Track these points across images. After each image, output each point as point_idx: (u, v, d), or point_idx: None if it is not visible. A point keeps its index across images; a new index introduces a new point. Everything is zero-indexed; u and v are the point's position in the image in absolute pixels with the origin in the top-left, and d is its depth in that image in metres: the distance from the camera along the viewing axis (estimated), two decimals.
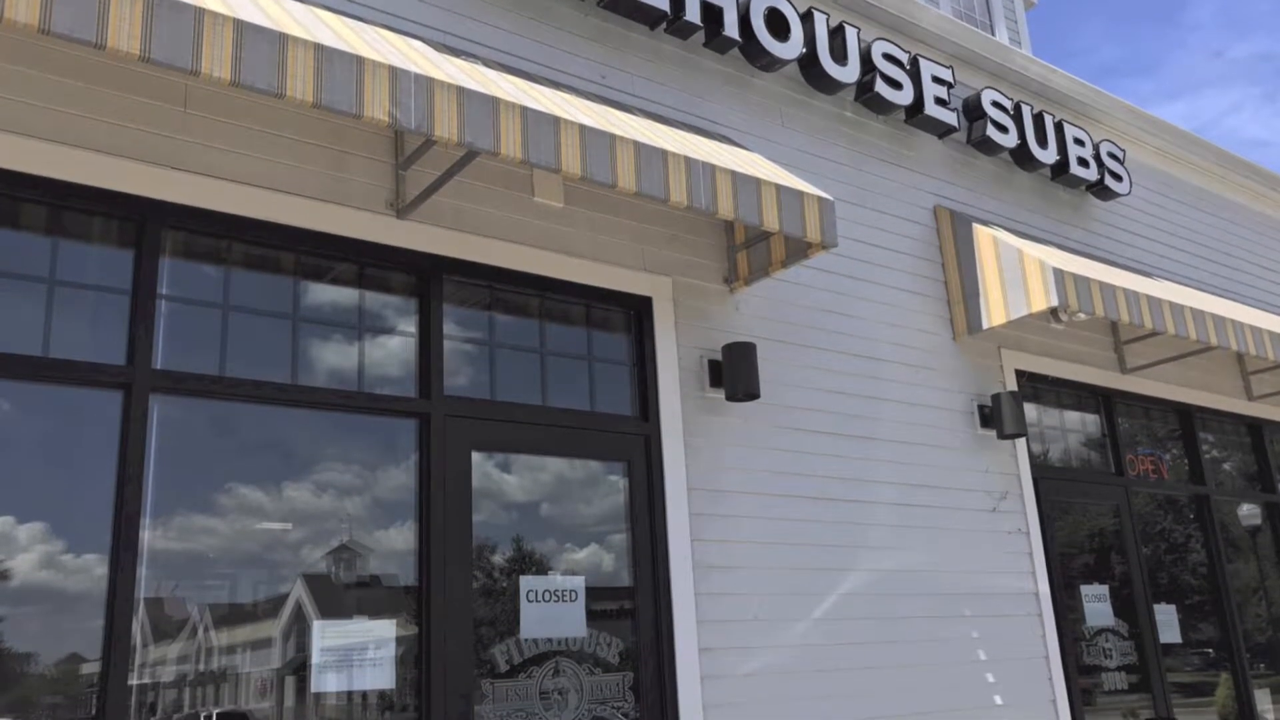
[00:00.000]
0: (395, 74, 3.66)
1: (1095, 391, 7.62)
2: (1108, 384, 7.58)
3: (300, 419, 4.23)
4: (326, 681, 3.98)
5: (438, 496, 4.42)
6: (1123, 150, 8.11)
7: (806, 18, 6.20)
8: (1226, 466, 8.70)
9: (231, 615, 3.88)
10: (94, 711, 3.52)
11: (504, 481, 4.68)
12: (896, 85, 6.60)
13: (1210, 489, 8.20)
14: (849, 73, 6.36)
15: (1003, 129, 7.20)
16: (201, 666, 3.77)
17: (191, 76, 3.33)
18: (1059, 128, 7.63)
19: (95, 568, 3.62)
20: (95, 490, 3.68)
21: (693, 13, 5.65)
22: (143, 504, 3.74)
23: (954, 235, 6.72)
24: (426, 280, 4.67)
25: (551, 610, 4.61)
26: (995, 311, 6.37)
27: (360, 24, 4.30)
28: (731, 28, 5.79)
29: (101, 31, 3.10)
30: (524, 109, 3.97)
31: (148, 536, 3.74)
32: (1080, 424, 7.55)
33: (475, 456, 4.58)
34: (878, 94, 6.50)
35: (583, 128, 4.12)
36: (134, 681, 3.61)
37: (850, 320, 6.09)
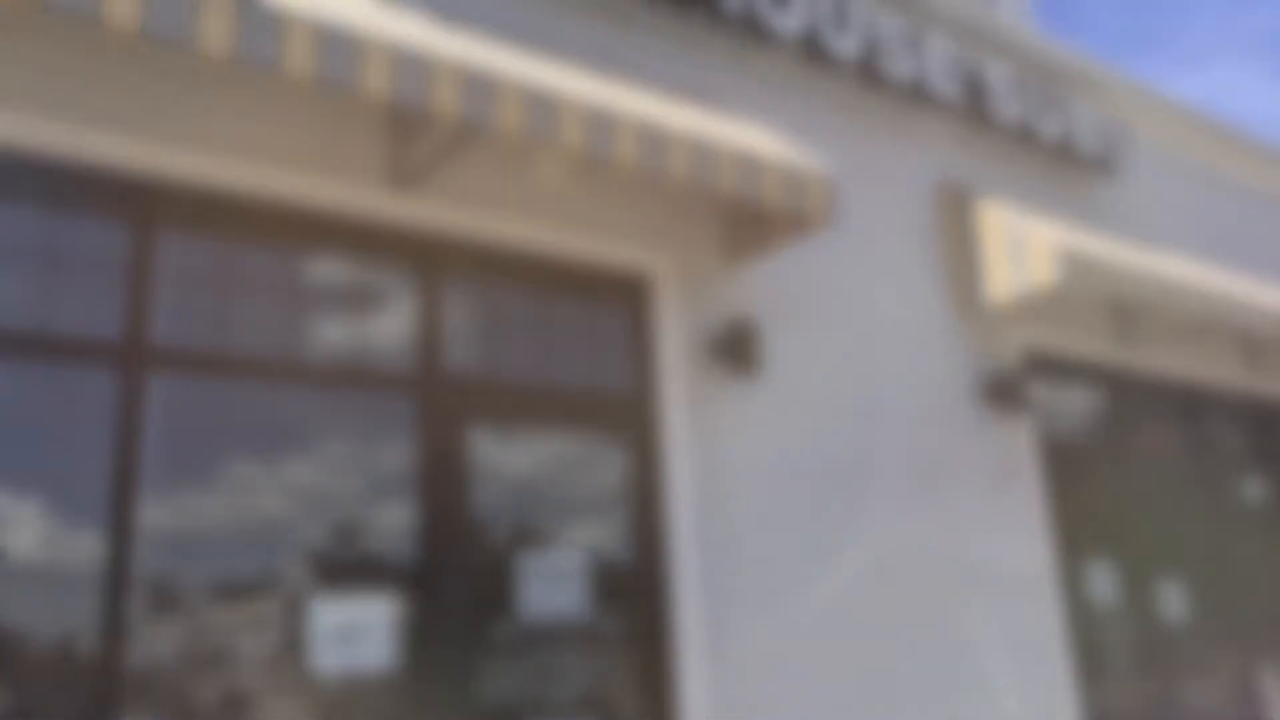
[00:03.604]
0: (395, 48, 3.63)
1: (1102, 367, 7.60)
2: (1114, 360, 7.56)
3: (298, 395, 4.21)
4: (325, 659, 3.99)
5: (437, 473, 4.41)
6: (1129, 125, 8.06)
7: None
8: (1235, 443, 8.68)
9: (229, 593, 3.88)
10: (90, 691, 3.52)
11: (503, 458, 4.67)
12: (900, 59, 6.54)
13: (1218, 466, 8.18)
14: (852, 46, 6.31)
15: (1007, 103, 7.14)
16: (198, 645, 3.77)
17: (190, 49, 3.30)
18: (1064, 102, 7.57)
19: (91, 546, 3.61)
20: (91, 468, 3.67)
21: None
22: (139, 481, 3.73)
23: (957, 210, 6.68)
24: (425, 255, 4.65)
25: (551, 588, 4.60)
26: (999, 287, 6.34)
27: None
28: None
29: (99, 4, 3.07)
30: (525, 84, 3.94)
31: (143, 514, 3.73)
32: (1087, 400, 7.53)
33: (474, 433, 4.57)
34: (881, 67, 6.45)
35: (584, 103, 4.09)
36: (130, 661, 3.61)
37: (853, 296, 6.07)
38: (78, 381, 3.73)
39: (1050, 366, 7.29)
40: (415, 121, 4.50)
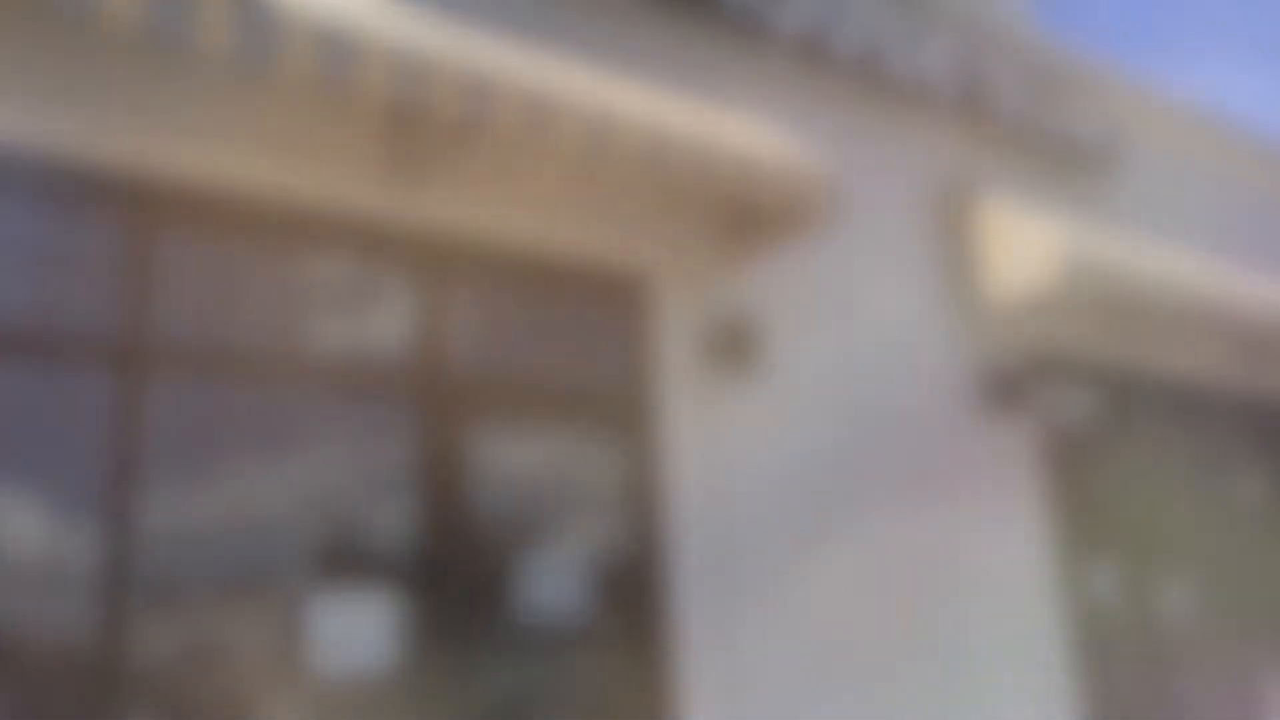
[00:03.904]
0: (394, 48, 3.62)
1: (1103, 366, 7.59)
2: (1115, 358, 7.55)
3: (297, 394, 4.21)
4: (324, 659, 3.98)
5: (436, 471, 4.40)
6: (1129, 123, 8.05)
7: None
8: (1235, 442, 8.67)
9: (228, 593, 3.87)
10: (89, 691, 3.51)
11: (501, 457, 4.66)
12: (901, 56, 6.54)
13: (1219, 465, 8.18)
14: (852, 41, 6.30)
15: (1008, 101, 7.14)
16: (198, 645, 3.76)
17: (189, 50, 3.30)
18: (1064, 100, 7.56)
19: (90, 546, 3.60)
20: (90, 467, 3.66)
21: None
22: (138, 480, 3.73)
23: (958, 208, 6.68)
24: (424, 254, 4.64)
25: (551, 587, 4.60)
26: (1000, 285, 6.33)
27: None
28: None
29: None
30: (523, 83, 3.94)
31: (143, 513, 3.72)
32: (1087, 399, 7.52)
33: (473, 431, 4.57)
34: (881, 65, 6.45)
35: (583, 102, 4.08)
36: (129, 660, 3.60)
37: (853, 294, 6.06)
38: (77, 380, 3.73)
39: (1051, 365, 7.28)
40: (414, 121, 4.50)
